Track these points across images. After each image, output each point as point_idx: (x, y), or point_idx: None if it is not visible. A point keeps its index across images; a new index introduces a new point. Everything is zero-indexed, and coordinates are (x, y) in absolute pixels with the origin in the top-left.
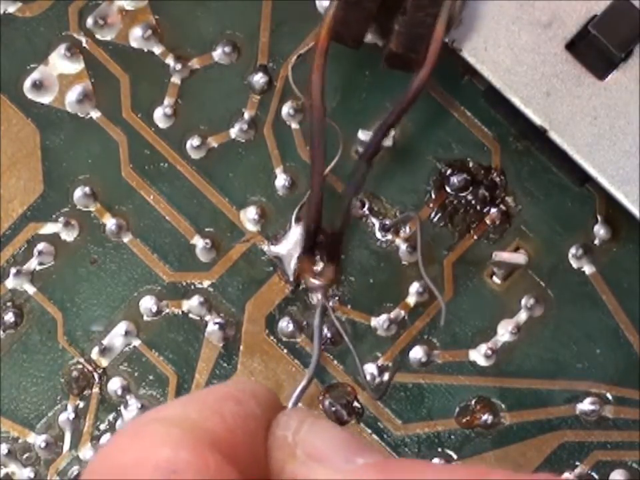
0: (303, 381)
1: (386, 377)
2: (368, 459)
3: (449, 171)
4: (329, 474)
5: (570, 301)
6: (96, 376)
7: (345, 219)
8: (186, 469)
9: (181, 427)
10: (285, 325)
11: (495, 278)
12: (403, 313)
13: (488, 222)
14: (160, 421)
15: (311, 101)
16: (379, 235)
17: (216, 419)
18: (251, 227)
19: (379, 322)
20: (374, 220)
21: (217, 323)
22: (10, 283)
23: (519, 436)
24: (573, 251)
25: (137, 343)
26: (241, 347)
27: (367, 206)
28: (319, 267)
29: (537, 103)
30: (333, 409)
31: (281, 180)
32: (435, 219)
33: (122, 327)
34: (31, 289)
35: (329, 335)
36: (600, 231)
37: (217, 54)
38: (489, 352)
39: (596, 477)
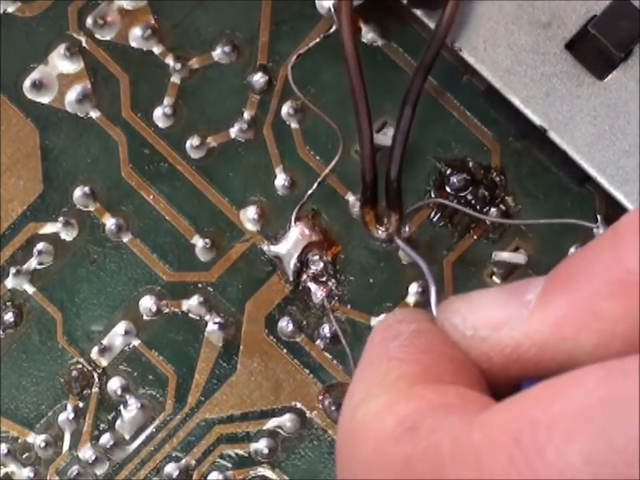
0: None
1: None
2: (534, 287)
3: (448, 171)
4: (511, 334)
5: None
6: (95, 376)
7: (400, 165)
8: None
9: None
10: (285, 324)
11: (494, 278)
12: None
13: (488, 222)
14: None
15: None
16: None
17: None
18: (251, 227)
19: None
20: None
21: (216, 323)
22: (9, 282)
23: None
24: (572, 250)
25: (136, 342)
26: (241, 347)
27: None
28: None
29: (536, 102)
30: (333, 408)
31: (281, 180)
32: (435, 219)
33: (121, 326)
34: (30, 289)
35: (328, 335)
36: (600, 231)
37: (217, 54)
38: None
39: None
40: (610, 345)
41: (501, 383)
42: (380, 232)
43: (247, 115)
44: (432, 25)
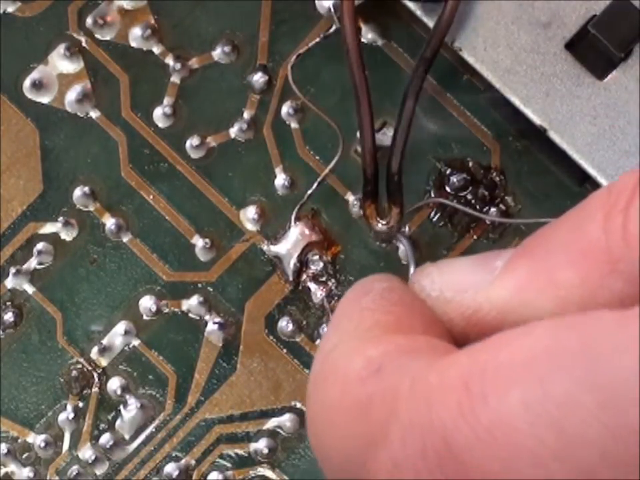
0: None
1: None
2: (504, 256)
3: (448, 171)
4: (474, 297)
5: None
6: (95, 376)
7: (401, 158)
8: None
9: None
10: (285, 324)
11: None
12: None
13: (487, 221)
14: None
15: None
16: None
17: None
18: (251, 227)
19: None
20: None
21: (216, 323)
22: (9, 282)
23: None
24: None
25: (136, 342)
26: (241, 347)
27: None
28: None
29: (536, 102)
30: None
31: (281, 179)
32: (435, 219)
33: (121, 326)
34: (30, 289)
35: None
36: None
37: (217, 54)
38: None
39: None
40: (565, 312)
41: (462, 346)
42: (381, 225)
43: (246, 115)
44: (432, 24)
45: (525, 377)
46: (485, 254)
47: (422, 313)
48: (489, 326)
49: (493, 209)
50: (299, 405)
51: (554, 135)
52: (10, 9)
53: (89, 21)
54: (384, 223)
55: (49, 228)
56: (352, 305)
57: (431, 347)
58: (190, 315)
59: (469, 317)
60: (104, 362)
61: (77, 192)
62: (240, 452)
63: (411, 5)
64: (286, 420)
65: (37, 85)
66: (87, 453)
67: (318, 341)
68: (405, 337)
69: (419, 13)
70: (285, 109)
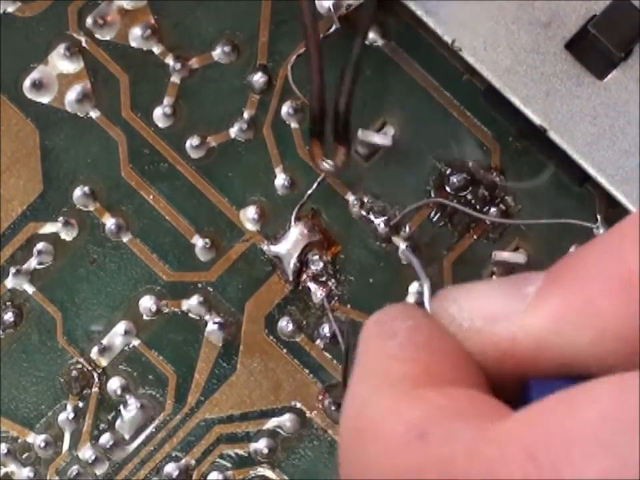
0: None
1: None
2: (535, 282)
3: (448, 171)
4: (508, 327)
5: None
6: (95, 376)
7: (348, 98)
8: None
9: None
10: (285, 324)
11: (494, 278)
12: None
13: (488, 221)
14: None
15: None
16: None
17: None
18: (251, 227)
19: None
20: (374, 220)
21: (216, 323)
22: (9, 282)
23: None
24: (572, 250)
25: (136, 342)
26: (241, 347)
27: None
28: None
29: (536, 102)
30: (333, 408)
31: (281, 179)
32: (435, 219)
33: (121, 326)
34: (30, 289)
35: (328, 335)
36: (600, 231)
37: (217, 54)
38: None
39: None
40: (603, 342)
41: (495, 377)
42: (326, 164)
43: (246, 115)
44: (432, 24)
45: (601, 447)
46: (512, 278)
47: (452, 354)
48: (523, 357)
49: (493, 209)
50: (298, 405)
51: (554, 135)
52: (10, 9)
53: (88, 21)
54: (330, 162)
55: (48, 228)
56: (377, 352)
57: (471, 404)
58: (190, 314)
59: (504, 349)
60: (104, 362)
61: (77, 192)
62: (240, 452)
63: (411, 5)
64: (286, 420)
65: (37, 85)
66: (87, 453)
67: (318, 341)
68: (440, 393)
69: (419, 12)
70: (285, 108)
